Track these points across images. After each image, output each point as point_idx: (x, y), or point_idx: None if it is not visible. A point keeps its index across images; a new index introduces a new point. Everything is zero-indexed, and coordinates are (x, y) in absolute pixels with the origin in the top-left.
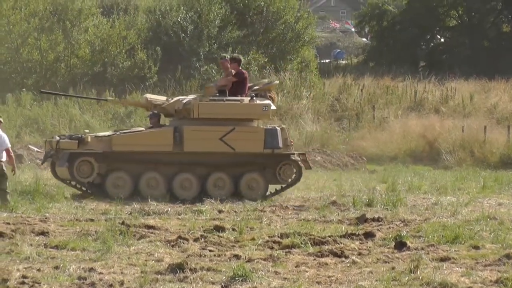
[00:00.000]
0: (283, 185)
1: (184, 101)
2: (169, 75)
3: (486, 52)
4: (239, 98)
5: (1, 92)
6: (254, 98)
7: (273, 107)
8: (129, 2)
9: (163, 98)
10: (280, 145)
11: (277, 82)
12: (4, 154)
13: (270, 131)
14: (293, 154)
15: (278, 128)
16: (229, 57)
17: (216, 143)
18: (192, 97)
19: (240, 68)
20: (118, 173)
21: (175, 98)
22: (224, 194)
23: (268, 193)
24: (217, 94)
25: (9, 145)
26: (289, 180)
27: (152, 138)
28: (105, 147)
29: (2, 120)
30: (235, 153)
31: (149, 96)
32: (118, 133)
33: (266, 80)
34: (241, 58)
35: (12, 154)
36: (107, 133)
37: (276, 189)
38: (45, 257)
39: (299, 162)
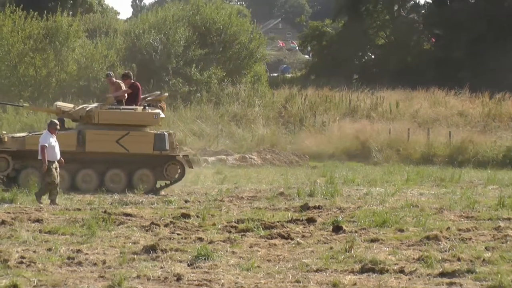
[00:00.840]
0: (170, 181)
1: (87, 109)
2: (143, 87)
3: (410, 66)
4: (133, 107)
5: (4, 100)
6: (147, 107)
7: (162, 115)
8: (109, 26)
9: (71, 105)
10: (167, 147)
11: (166, 94)
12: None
13: (159, 135)
14: (178, 155)
15: (166, 133)
16: (112, 74)
17: (113, 145)
18: (94, 105)
19: (133, 81)
20: (30, 169)
21: (80, 106)
22: (120, 187)
23: (158, 186)
24: (115, 103)
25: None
26: (175, 177)
27: (59, 140)
28: (20, 146)
29: (59, 127)
30: (129, 154)
31: (59, 103)
32: (30, 134)
33: (158, 92)
34: (131, 73)
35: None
36: (22, 134)
37: (165, 183)
38: (39, 240)
39: (183, 162)
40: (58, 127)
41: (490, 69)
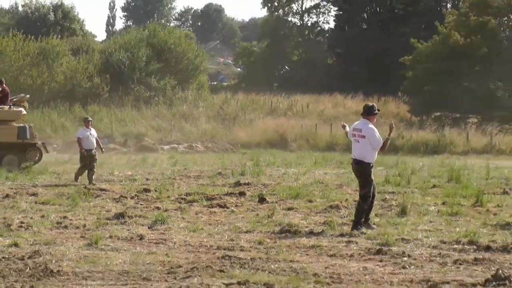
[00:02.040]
0: (31, 163)
1: None
2: (115, 93)
3: (317, 77)
4: (2, 106)
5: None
6: (12, 106)
7: (24, 112)
8: (89, 46)
9: None
10: (28, 137)
11: (28, 96)
12: (95, 141)
13: (22, 128)
14: (37, 143)
15: (27, 126)
16: None
17: None
18: None
19: (5, 86)
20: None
21: None
22: None
23: (23, 166)
24: None
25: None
26: (35, 159)
27: None
28: None
29: (91, 119)
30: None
31: None
32: None
33: (22, 95)
34: (3, 80)
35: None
36: None
37: (26, 165)
38: (35, 209)
39: (41, 148)
40: (91, 121)
41: (378, 78)
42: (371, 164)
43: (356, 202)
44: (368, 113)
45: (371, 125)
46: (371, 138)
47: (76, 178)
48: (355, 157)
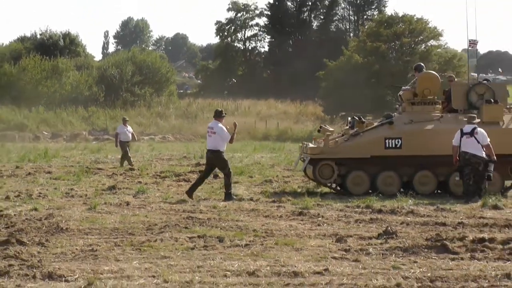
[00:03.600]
0: None
1: None
2: (108, 98)
3: (258, 86)
4: None
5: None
6: None
7: None
8: (89, 64)
9: None
10: None
11: None
12: (131, 135)
13: None
14: None
15: None
16: None
17: None
18: None
19: None
20: None
21: None
22: None
23: None
24: None
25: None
26: None
27: None
28: None
29: (127, 118)
30: None
31: None
32: None
33: None
34: None
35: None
36: None
37: None
38: (50, 183)
39: None
40: (127, 119)
41: (300, 87)
42: (223, 152)
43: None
44: (218, 116)
45: (220, 124)
46: (221, 134)
47: (121, 164)
48: (210, 147)
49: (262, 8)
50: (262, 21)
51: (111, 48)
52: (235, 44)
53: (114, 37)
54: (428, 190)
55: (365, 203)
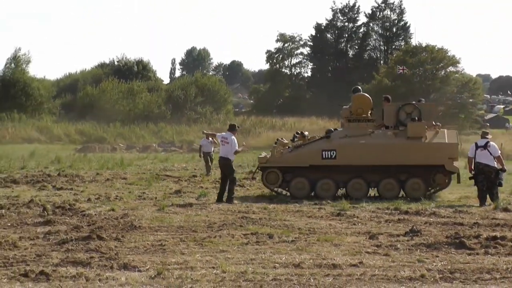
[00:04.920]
0: None
1: None
2: (174, 116)
3: (302, 105)
4: None
5: (108, 122)
6: None
7: None
8: (158, 86)
9: None
10: None
11: None
12: (212, 146)
13: None
14: None
15: None
16: None
17: None
18: None
19: None
20: None
21: None
22: None
23: None
24: None
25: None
26: None
27: None
28: None
29: (238, 126)
30: None
31: None
32: None
33: None
34: None
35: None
36: None
37: None
38: (125, 188)
39: None
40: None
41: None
42: (232, 160)
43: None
44: (233, 129)
45: (233, 137)
46: (232, 144)
47: (208, 171)
48: (222, 155)
49: (305, 39)
50: (306, 50)
51: (177, 73)
52: (283, 70)
53: (180, 63)
54: (361, 195)
55: (393, 205)
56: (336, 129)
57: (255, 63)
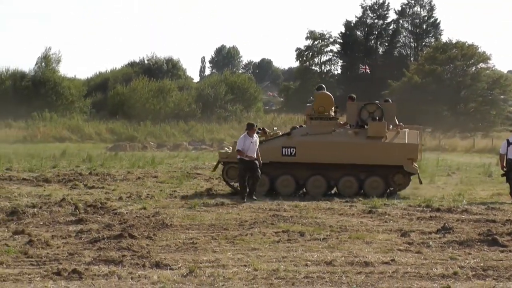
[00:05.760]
0: None
1: None
2: (205, 114)
3: None
4: None
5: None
6: None
7: None
8: (189, 85)
9: None
10: None
11: None
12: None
13: None
14: None
15: None
16: None
17: None
18: None
19: None
20: None
21: None
22: None
23: None
24: None
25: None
26: None
27: None
28: None
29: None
30: None
31: None
32: None
33: None
34: None
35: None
36: None
37: None
38: (156, 186)
39: None
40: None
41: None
42: (239, 158)
43: None
44: (247, 128)
45: (242, 135)
46: (237, 143)
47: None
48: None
49: (335, 37)
50: (335, 47)
51: (207, 71)
52: (313, 67)
53: (210, 62)
54: (320, 192)
55: (425, 203)
56: (301, 126)
57: (285, 61)
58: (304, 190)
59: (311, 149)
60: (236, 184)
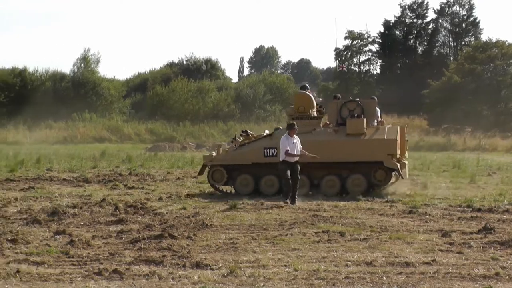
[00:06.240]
0: None
1: None
2: (243, 114)
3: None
4: None
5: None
6: None
7: None
8: (227, 85)
9: None
10: None
11: None
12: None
13: None
14: None
15: None
16: None
17: None
18: None
19: None
20: None
21: None
22: None
23: None
24: None
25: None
26: None
27: None
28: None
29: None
30: None
31: None
32: None
33: None
34: None
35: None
36: None
37: None
38: (195, 186)
39: None
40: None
41: (407, 104)
42: (281, 161)
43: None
44: (288, 128)
45: (283, 137)
46: (279, 146)
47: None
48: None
49: (374, 37)
50: (374, 47)
51: (246, 71)
52: (351, 67)
53: (248, 62)
54: (304, 191)
55: (466, 203)
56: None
57: (324, 61)
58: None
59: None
60: (221, 187)
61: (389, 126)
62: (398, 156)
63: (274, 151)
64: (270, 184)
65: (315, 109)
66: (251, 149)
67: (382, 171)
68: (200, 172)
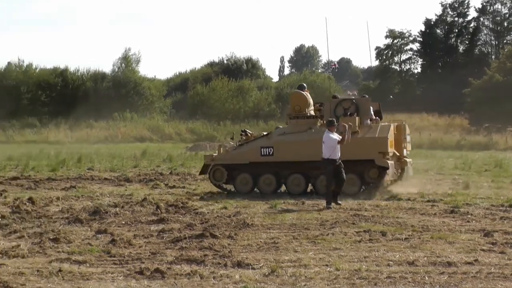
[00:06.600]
0: None
1: None
2: (284, 114)
3: (412, 101)
4: None
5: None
6: None
7: None
8: (268, 84)
9: None
10: None
11: None
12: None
13: None
14: None
15: None
16: None
17: None
18: None
19: None
20: None
21: None
22: None
23: None
24: None
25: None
26: None
27: None
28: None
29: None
30: None
31: None
32: None
33: None
34: None
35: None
36: None
37: None
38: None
39: None
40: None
41: (448, 103)
42: (327, 159)
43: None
44: (328, 125)
45: (329, 134)
46: (326, 142)
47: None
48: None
49: (415, 35)
50: (415, 46)
51: (286, 71)
52: (392, 66)
53: (289, 61)
54: (300, 190)
55: (508, 202)
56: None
57: (364, 60)
58: (285, 188)
59: (287, 148)
60: (225, 185)
61: (382, 124)
62: (392, 154)
63: (271, 150)
64: (268, 183)
65: (311, 108)
66: (249, 148)
67: (375, 169)
68: (202, 172)
